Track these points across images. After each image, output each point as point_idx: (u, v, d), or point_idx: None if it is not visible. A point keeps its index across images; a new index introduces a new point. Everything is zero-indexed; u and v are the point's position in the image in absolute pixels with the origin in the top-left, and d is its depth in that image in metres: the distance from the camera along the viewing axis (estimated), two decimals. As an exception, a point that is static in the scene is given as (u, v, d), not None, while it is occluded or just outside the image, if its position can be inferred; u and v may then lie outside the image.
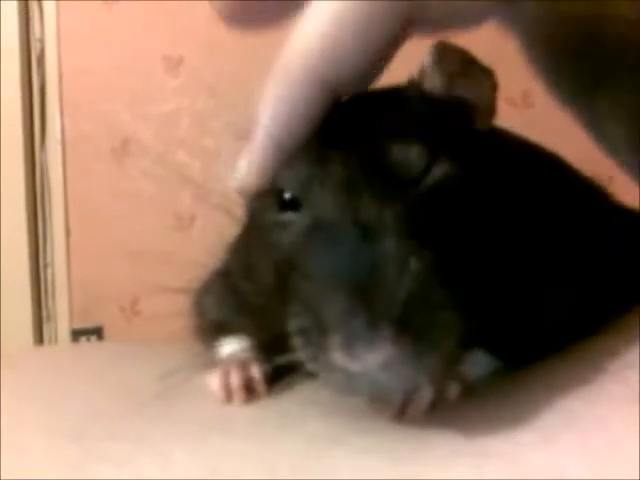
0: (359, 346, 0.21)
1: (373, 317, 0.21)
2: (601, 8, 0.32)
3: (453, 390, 0.25)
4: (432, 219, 0.24)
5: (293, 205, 0.26)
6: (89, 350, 0.57)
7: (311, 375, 0.24)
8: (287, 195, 0.26)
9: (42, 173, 1.41)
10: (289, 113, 0.25)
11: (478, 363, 0.26)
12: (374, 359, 0.21)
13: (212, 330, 0.34)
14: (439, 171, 0.25)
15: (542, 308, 0.27)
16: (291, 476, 0.22)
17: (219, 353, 0.32)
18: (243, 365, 0.30)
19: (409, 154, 0.25)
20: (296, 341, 0.23)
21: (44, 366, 0.39)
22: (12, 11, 1.37)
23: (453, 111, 0.27)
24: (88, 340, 1.42)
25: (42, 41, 1.40)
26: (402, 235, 0.23)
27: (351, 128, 0.26)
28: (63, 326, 1.42)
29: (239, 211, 0.31)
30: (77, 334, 1.42)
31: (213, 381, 0.30)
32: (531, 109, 1.23)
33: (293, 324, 0.23)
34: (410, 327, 0.21)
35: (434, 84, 0.28)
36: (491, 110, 0.28)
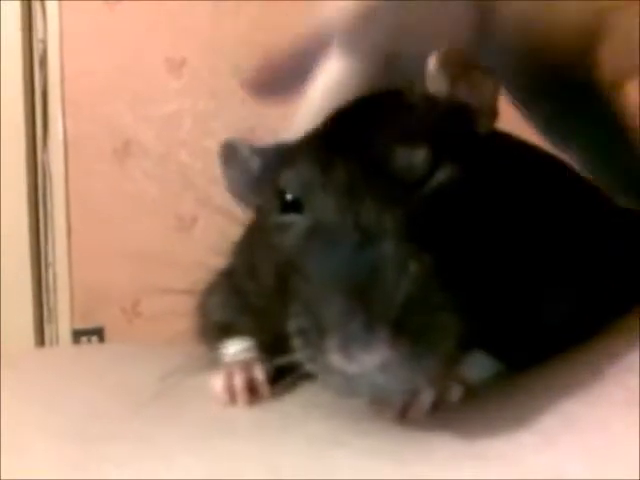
0: (356, 348, 0.21)
1: (370, 319, 0.21)
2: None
3: (455, 392, 0.25)
4: (434, 222, 0.24)
5: (295, 207, 0.26)
6: (90, 351, 0.57)
7: (311, 376, 0.24)
8: (289, 197, 0.26)
9: (44, 174, 1.42)
10: None
11: (479, 365, 0.26)
12: (371, 361, 0.21)
13: (216, 331, 0.33)
14: (442, 174, 0.25)
15: (542, 309, 0.27)
16: (293, 477, 0.22)
17: (222, 354, 0.32)
18: (246, 367, 0.30)
19: (413, 157, 0.25)
20: (295, 342, 0.23)
21: (44, 367, 0.39)
22: (14, 12, 1.37)
23: (456, 114, 0.27)
24: (89, 341, 1.42)
25: (44, 42, 1.40)
26: (402, 238, 0.23)
27: (354, 131, 0.26)
28: (64, 326, 1.43)
29: (240, 212, 0.31)
30: (78, 335, 1.42)
31: (217, 383, 0.30)
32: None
33: (293, 324, 0.23)
34: (407, 329, 0.21)
35: (437, 87, 0.28)
36: (493, 113, 0.28)
